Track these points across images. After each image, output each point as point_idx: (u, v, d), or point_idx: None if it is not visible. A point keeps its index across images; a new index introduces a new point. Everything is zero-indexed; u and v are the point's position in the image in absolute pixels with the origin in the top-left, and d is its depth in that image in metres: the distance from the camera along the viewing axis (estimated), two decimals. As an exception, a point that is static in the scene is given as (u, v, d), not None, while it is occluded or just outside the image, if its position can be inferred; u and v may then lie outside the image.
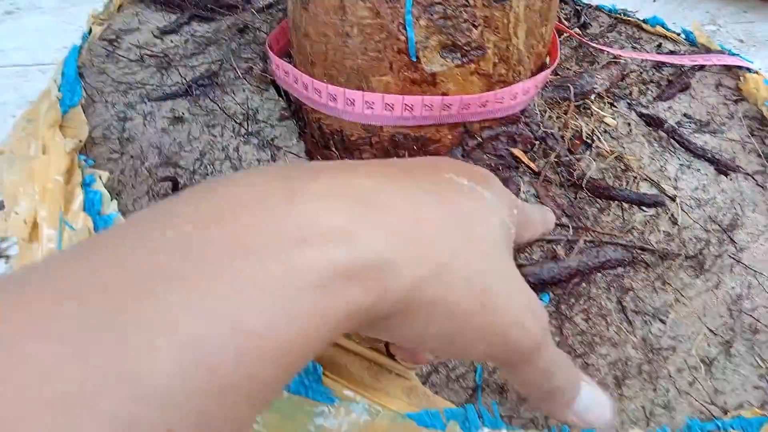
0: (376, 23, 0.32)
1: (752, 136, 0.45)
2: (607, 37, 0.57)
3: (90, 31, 0.49)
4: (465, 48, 0.33)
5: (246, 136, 0.41)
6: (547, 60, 0.40)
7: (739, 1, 1.04)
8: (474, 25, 0.32)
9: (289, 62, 0.38)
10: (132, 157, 0.40)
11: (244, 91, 0.45)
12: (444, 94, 0.34)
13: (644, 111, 0.46)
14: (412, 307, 0.15)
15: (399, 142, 0.35)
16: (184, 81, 0.45)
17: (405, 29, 0.32)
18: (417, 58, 0.33)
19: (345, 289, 0.13)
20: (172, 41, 0.51)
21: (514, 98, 0.36)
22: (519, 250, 0.34)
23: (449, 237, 0.16)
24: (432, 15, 0.32)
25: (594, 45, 0.49)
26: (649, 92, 0.49)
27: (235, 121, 0.42)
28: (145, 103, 0.44)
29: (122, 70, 0.46)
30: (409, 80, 0.34)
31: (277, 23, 0.52)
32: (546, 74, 0.37)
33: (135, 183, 0.38)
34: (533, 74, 0.37)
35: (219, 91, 0.45)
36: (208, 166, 0.39)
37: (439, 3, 0.31)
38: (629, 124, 0.44)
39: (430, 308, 0.16)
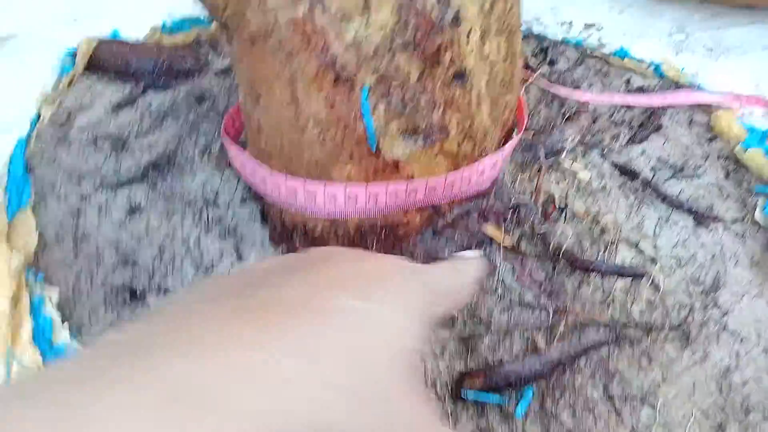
0: (332, 116, 0.30)
1: (727, 178, 0.44)
2: (576, 74, 0.56)
3: (39, 115, 0.47)
4: (427, 131, 0.31)
5: (207, 224, 0.39)
6: (515, 128, 0.38)
7: (706, 8, 1.03)
8: (434, 108, 0.31)
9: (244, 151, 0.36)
10: (87, 258, 0.37)
11: (203, 171, 0.43)
12: (410, 177, 0.33)
13: (617, 160, 0.44)
14: None
15: (366, 231, 0.34)
16: (140, 164, 0.43)
17: (362, 118, 0.30)
18: (378, 146, 0.31)
19: None
20: (126, 116, 0.48)
21: (482, 174, 0.34)
22: (500, 340, 0.33)
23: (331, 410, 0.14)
24: (390, 102, 0.30)
25: (562, 93, 0.48)
26: (622, 135, 0.47)
27: (195, 208, 0.40)
28: (101, 192, 0.41)
29: (75, 155, 0.44)
30: (371, 169, 0.32)
31: (235, 90, 0.50)
32: (513, 144, 0.36)
33: (90, 291, 0.36)
34: (501, 142, 0.36)
35: (177, 172, 0.43)
36: (168, 265, 0.37)
37: (398, 88, 0.30)
38: (603, 176, 0.43)
39: None
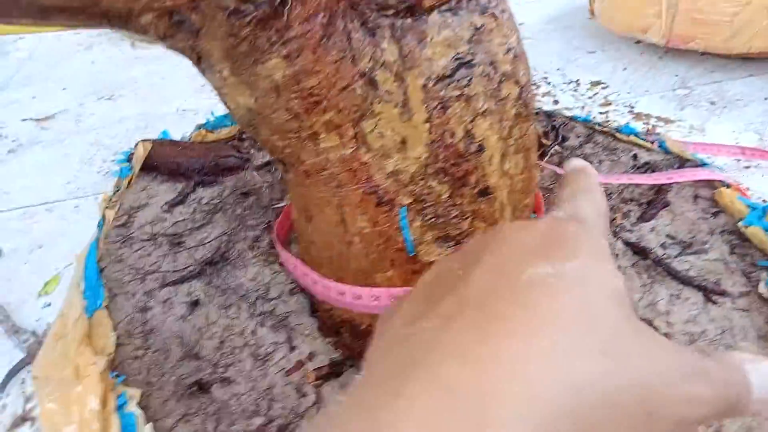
0: (375, 231, 0.35)
1: (733, 253, 0.47)
2: (586, 150, 0.61)
3: (104, 217, 0.52)
4: (458, 237, 0.36)
5: (261, 317, 0.44)
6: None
7: (706, 61, 1.08)
8: (463, 219, 0.35)
9: (295, 256, 0.41)
10: (156, 351, 0.42)
11: (254, 265, 0.48)
12: (443, 276, 0.37)
13: (629, 238, 0.49)
14: None
15: (406, 324, 0.38)
16: (196, 260, 0.48)
17: (401, 231, 0.35)
18: (415, 253, 0.36)
19: None
20: (180, 213, 0.54)
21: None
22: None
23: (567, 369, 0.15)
24: (425, 217, 0.35)
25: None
26: (632, 214, 0.52)
27: (249, 300, 0.45)
28: (163, 288, 0.46)
29: (137, 253, 0.50)
30: (410, 271, 0.36)
31: (278, 183, 0.56)
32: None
33: (161, 383, 0.40)
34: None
35: (230, 267, 0.48)
36: (229, 356, 0.41)
37: (430, 206, 0.34)
38: (617, 255, 0.47)
39: None
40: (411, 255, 0.36)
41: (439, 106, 0.33)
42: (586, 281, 0.17)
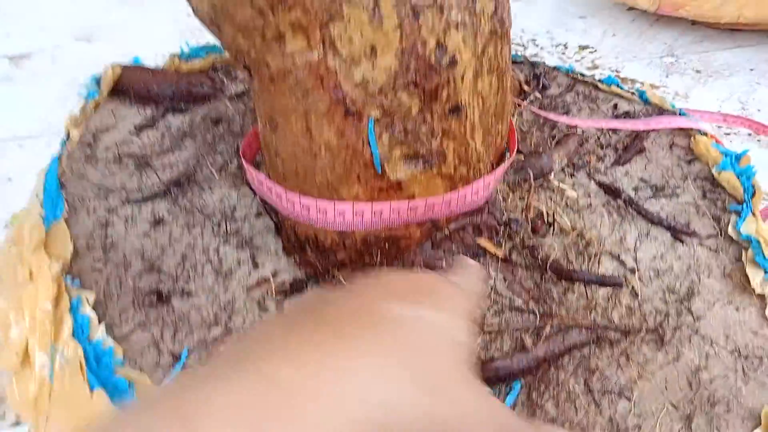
0: (342, 143, 0.34)
1: (704, 198, 0.47)
2: (566, 98, 0.60)
3: (68, 136, 0.51)
4: (426, 156, 0.35)
5: (225, 236, 0.43)
6: (506, 151, 0.42)
7: (695, 31, 1.08)
8: (433, 136, 0.35)
9: (260, 171, 0.40)
10: (116, 265, 0.41)
11: (221, 187, 0.47)
12: (410, 197, 0.37)
13: (602, 180, 0.48)
14: None
15: (371, 243, 0.38)
16: (162, 181, 0.47)
17: (369, 145, 0.34)
18: (382, 169, 0.35)
19: None
20: (148, 137, 0.52)
21: (477, 194, 0.38)
22: (492, 340, 0.36)
23: (397, 401, 0.17)
24: (393, 131, 0.34)
25: (552, 118, 0.52)
26: (607, 158, 0.51)
27: (214, 220, 0.44)
28: (126, 206, 0.45)
29: (101, 172, 0.48)
30: (376, 189, 0.36)
31: (251, 112, 0.54)
32: (505, 167, 0.40)
33: (120, 294, 0.39)
34: (494, 166, 0.40)
35: (197, 188, 0.47)
36: (190, 271, 0.41)
37: (399, 121, 0.34)
38: (589, 195, 0.47)
39: None
40: (378, 171, 0.35)
41: (411, 13, 0.32)
42: (437, 329, 0.19)
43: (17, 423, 0.58)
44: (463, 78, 0.34)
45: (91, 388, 0.31)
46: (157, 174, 0.48)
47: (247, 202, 0.45)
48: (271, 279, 0.40)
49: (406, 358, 0.18)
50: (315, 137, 0.34)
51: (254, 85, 0.35)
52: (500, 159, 0.41)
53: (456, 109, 0.35)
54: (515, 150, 0.41)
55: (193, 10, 0.34)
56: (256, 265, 0.41)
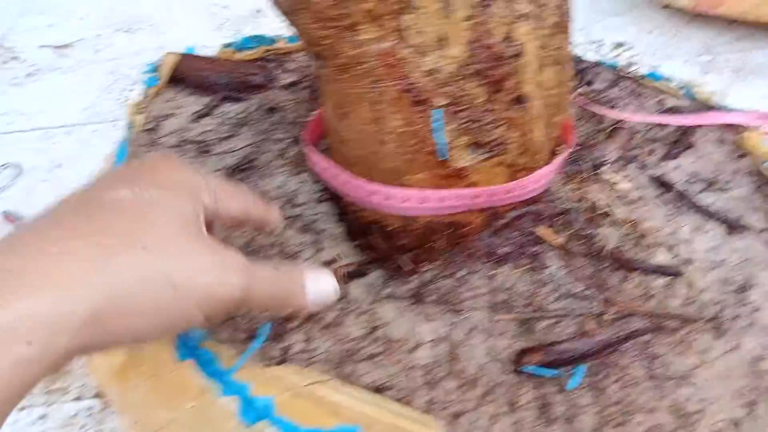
0: (409, 131, 0.35)
1: (756, 192, 0.48)
2: (611, 94, 0.61)
3: (132, 122, 0.53)
4: (489, 145, 0.36)
5: (288, 220, 0.44)
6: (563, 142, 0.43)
7: (733, 30, 1.07)
8: (497, 126, 0.36)
9: (326, 154, 0.41)
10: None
11: (281, 174, 0.48)
12: (472, 185, 0.38)
13: (654, 173, 0.49)
14: (104, 328, 0.20)
15: (434, 228, 0.39)
16: (224, 167, 0.49)
17: (435, 134, 0.35)
18: (447, 157, 0.36)
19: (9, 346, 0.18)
20: (206, 124, 0.54)
21: (537, 183, 0.39)
22: (549, 326, 0.37)
23: (107, 261, 0.21)
24: (459, 120, 0.35)
25: (602, 112, 0.53)
26: (656, 153, 0.52)
27: (276, 204, 0.45)
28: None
29: (165, 158, 0.50)
30: (440, 176, 0.37)
31: (304, 102, 0.56)
32: (563, 158, 0.40)
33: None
34: (552, 156, 0.41)
35: (257, 175, 0.48)
36: (258, 252, 0.42)
37: (465, 110, 0.35)
38: (641, 188, 0.48)
39: (125, 319, 0.21)
40: (443, 159, 0.36)
41: (480, 5, 0.33)
42: (156, 203, 0.23)
43: (79, 397, 0.61)
44: (527, 69, 0.35)
45: (181, 358, 0.33)
46: (217, 160, 0.50)
47: (308, 188, 0.47)
48: (339, 261, 0.41)
49: (127, 232, 0.22)
50: (383, 125, 0.35)
51: (325, 73, 0.37)
52: (557, 149, 0.42)
53: (520, 100, 0.36)
54: (573, 141, 0.42)
55: None
56: (319, 249, 0.42)
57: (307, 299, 0.28)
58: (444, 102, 0.34)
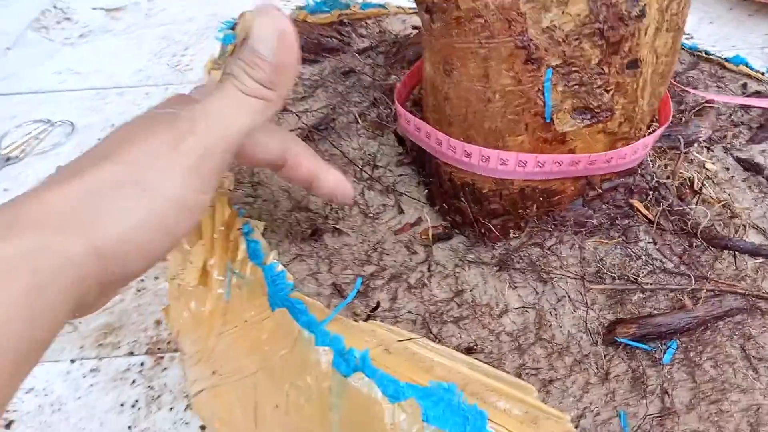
0: (517, 90, 0.34)
1: None
2: (691, 76, 0.59)
3: (209, 78, 0.53)
4: (596, 110, 0.35)
5: (368, 182, 0.44)
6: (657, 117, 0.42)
7: (798, 22, 1.04)
8: (606, 90, 0.35)
9: (415, 116, 0.40)
10: (265, 201, 0.43)
11: (359, 136, 0.48)
12: (571, 151, 0.37)
13: (740, 155, 0.48)
14: (107, 254, 0.23)
15: (527, 194, 0.38)
16: (303, 126, 0.48)
17: (543, 95, 0.34)
18: (551, 119, 0.35)
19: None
20: (282, 84, 0.54)
21: (635, 153, 0.38)
22: (642, 300, 0.36)
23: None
24: (569, 82, 0.34)
25: (689, 90, 0.51)
26: (742, 135, 0.50)
27: (356, 167, 0.45)
28: (269, 147, 0.47)
29: (242, 114, 0.50)
30: (541, 139, 0.36)
31: (379, 67, 0.55)
32: (662, 130, 0.39)
33: (274, 227, 0.41)
34: (648, 128, 0.40)
35: (336, 135, 0.48)
36: (339, 211, 0.42)
37: (576, 71, 0.34)
38: (728, 169, 0.46)
39: (119, 235, 0.23)
40: (546, 121, 0.35)
41: (607, -40, 0.32)
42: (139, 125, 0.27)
43: (131, 352, 0.61)
44: (646, 32, 0.34)
45: (273, 307, 0.32)
46: (294, 119, 0.49)
47: (388, 151, 0.46)
48: (423, 224, 0.41)
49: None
50: (491, 82, 0.35)
51: (434, 27, 0.36)
52: (652, 123, 0.41)
53: (634, 64, 0.35)
54: (670, 115, 0.41)
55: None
56: (401, 211, 0.42)
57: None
58: (557, 62, 0.33)
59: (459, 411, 0.29)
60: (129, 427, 0.54)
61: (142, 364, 0.59)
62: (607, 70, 0.34)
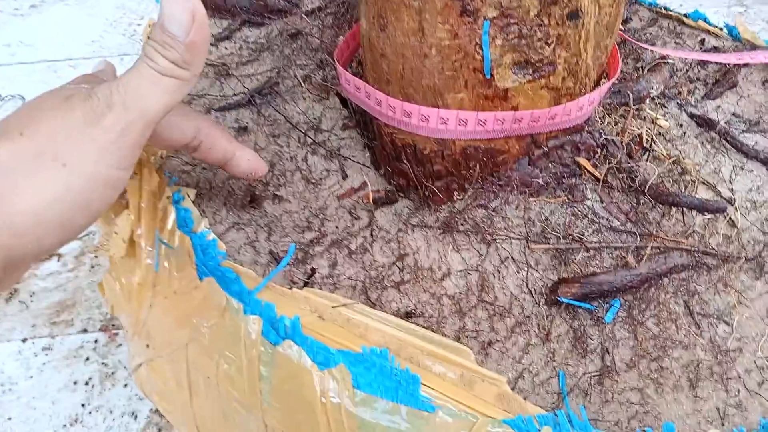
0: (454, 44, 0.33)
1: (801, 134, 0.46)
2: (649, 33, 0.58)
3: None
4: (537, 64, 0.34)
5: (312, 146, 0.42)
6: (606, 72, 0.41)
7: (767, -19, 1.03)
8: (547, 43, 0.33)
9: (358, 76, 0.39)
10: (204, 168, 0.41)
11: (304, 99, 0.46)
12: (514, 108, 0.36)
13: (694, 111, 0.47)
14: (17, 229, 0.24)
15: (470, 154, 0.37)
16: (245, 90, 0.46)
17: (481, 49, 0.33)
18: (491, 75, 0.34)
19: None
20: (226, 48, 0.52)
21: (581, 110, 0.37)
22: (586, 259, 0.36)
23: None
24: (507, 35, 0.33)
25: (644, 46, 0.50)
26: (697, 91, 0.50)
27: (300, 131, 0.43)
28: (210, 113, 0.45)
29: (183, 79, 0.48)
30: (482, 96, 0.35)
31: (327, 29, 0.53)
32: (609, 85, 0.38)
33: (211, 195, 0.39)
34: (596, 84, 0.39)
35: (280, 99, 0.46)
36: (280, 177, 0.40)
37: (515, 23, 0.32)
38: (681, 126, 0.46)
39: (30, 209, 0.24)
40: (486, 77, 0.34)
41: None
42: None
43: (85, 330, 0.60)
44: (585, -19, 0.33)
45: (201, 277, 0.31)
46: (238, 84, 0.47)
47: (332, 115, 0.44)
48: (367, 188, 0.39)
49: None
50: (426, 36, 0.33)
51: (365, -18, 0.34)
52: (600, 78, 0.40)
53: (574, 15, 0.33)
54: (618, 69, 0.39)
55: None
56: (345, 176, 0.41)
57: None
58: (494, 14, 0.32)
59: (391, 376, 0.28)
60: (83, 405, 0.53)
61: (96, 341, 0.58)
62: (546, 21, 0.33)
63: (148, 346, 0.35)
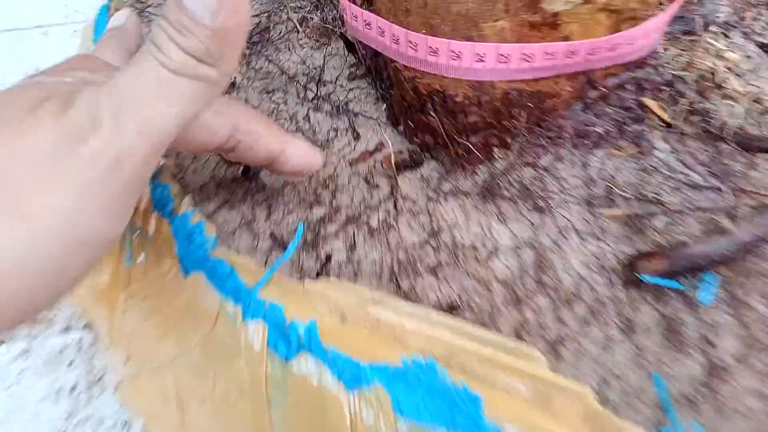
0: (494, -46, 0.25)
1: None
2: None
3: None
4: (597, -21, 0.27)
5: (315, 102, 0.35)
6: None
7: None
8: (611, -50, 0.26)
9: (367, 9, 0.31)
10: (185, 136, 0.34)
11: (302, 47, 0.38)
12: (566, 38, 0.28)
13: (763, 41, 0.39)
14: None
15: (513, 100, 0.29)
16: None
17: (528, -40, 0.25)
18: (539, -5, 0.26)
19: None
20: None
21: (647, 37, 0.30)
22: (667, 225, 0.29)
23: None
24: (562, -61, 0.25)
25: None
26: (761, 17, 0.42)
27: (299, 84, 0.36)
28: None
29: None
30: (527, 24, 0.27)
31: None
32: (677, 5, 0.31)
33: (196, 167, 0.32)
34: (659, 6, 0.31)
35: (272, 48, 0.38)
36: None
37: (572, -77, 0.25)
38: (749, 58, 0.38)
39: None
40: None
41: None
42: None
43: (67, 328, 0.53)
44: None
45: (185, 273, 0.24)
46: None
47: (337, 63, 0.37)
48: (385, 150, 0.32)
49: None
50: (458, -52, 0.25)
51: None
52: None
53: None
54: (686, -12, 0.32)
55: None
56: (357, 136, 0.33)
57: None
58: None
59: (443, 395, 0.21)
60: (68, 416, 0.47)
61: (80, 340, 0.51)
62: None
63: (128, 359, 0.28)
